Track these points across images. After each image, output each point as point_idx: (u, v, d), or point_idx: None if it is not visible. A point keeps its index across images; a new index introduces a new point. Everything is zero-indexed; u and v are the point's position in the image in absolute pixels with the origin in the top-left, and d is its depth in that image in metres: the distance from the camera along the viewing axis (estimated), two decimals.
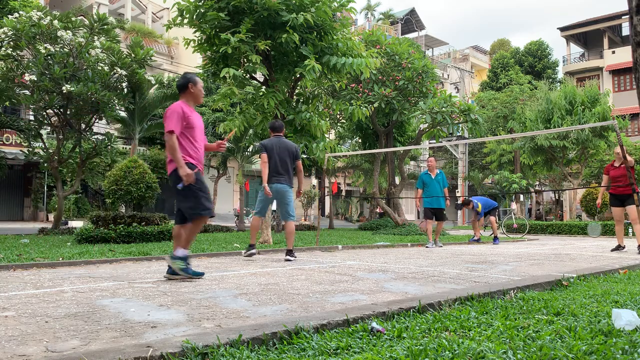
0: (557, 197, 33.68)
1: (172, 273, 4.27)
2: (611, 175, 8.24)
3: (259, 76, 9.86)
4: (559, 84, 37.74)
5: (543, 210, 36.45)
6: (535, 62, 40.08)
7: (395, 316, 2.66)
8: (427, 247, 9.35)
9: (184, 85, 4.40)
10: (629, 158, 7.21)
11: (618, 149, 8.11)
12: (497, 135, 29.95)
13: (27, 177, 23.47)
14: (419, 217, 35.42)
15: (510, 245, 10.68)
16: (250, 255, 6.43)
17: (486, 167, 35.55)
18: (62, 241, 8.93)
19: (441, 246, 9.59)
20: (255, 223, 6.57)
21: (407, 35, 41.84)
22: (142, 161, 10.29)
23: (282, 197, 6.31)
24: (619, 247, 8.38)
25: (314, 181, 31.89)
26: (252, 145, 22.17)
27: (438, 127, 15.29)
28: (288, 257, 6.18)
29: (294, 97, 10.37)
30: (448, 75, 43.24)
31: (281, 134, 6.58)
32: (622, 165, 8.01)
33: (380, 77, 15.42)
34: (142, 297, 3.38)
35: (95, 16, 11.72)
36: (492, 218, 11.64)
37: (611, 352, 1.92)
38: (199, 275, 4.35)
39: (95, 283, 4.08)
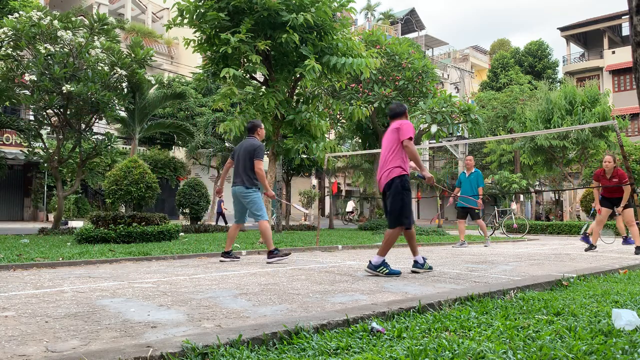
0: (557, 197, 33.68)
1: (372, 268, 4.64)
2: (602, 183, 8.30)
3: (259, 76, 9.86)
4: (559, 84, 37.74)
5: (543, 211, 36.44)
6: (535, 62, 40.08)
7: (395, 316, 2.66)
8: (452, 246, 9.61)
9: (404, 112, 4.98)
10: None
11: (608, 160, 8.12)
12: (497, 135, 29.95)
13: (27, 177, 23.47)
14: (418, 217, 35.42)
15: (510, 245, 10.68)
16: (226, 261, 6.16)
17: (486, 167, 35.55)
18: (62, 241, 8.93)
19: (466, 246, 9.55)
20: (231, 231, 6.27)
21: (407, 35, 41.85)
22: (142, 161, 10.28)
23: (241, 199, 6.07)
24: (592, 247, 8.43)
25: (314, 181, 31.89)
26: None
27: (438, 127, 15.28)
28: (268, 260, 5.91)
29: (294, 97, 10.37)
30: (448, 75, 43.22)
31: (252, 135, 6.24)
32: (614, 179, 8.08)
33: (380, 77, 15.42)
34: (142, 297, 3.38)
35: (95, 16, 11.71)
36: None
37: (611, 352, 1.92)
38: (399, 273, 4.66)
39: (95, 283, 4.08)
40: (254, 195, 6.00)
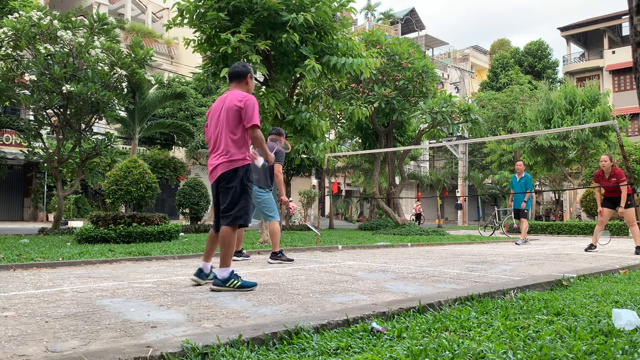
0: (557, 197, 33.67)
1: (218, 285, 3.76)
2: (602, 184, 8.33)
3: (259, 76, 9.87)
4: (559, 84, 37.74)
5: (544, 211, 36.44)
6: (535, 62, 40.09)
7: (395, 316, 2.66)
8: (515, 243, 10.79)
9: (248, 74, 4.08)
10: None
11: (604, 160, 8.15)
12: (497, 135, 29.95)
13: (27, 177, 23.47)
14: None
15: (510, 245, 10.68)
16: (238, 260, 6.26)
17: (486, 167, 35.54)
18: (62, 241, 8.93)
19: (525, 242, 10.74)
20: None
21: (407, 35, 41.87)
22: (142, 161, 10.28)
23: (252, 198, 6.12)
24: (592, 247, 8.44)
25: (314, 181, 31.90)
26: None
27: (438, 127, 15.29)
28: (271, 261, 5.93)
29: (294, 97, 10.37)
30: (448, 75, 43.24)
31: (271, 138, 6.31)
32: (612, 179, 8.11)
33: (380, 77, 15.42)
34: (142, 297, 3.38)
35: (95, 16, 11.71)
36: None
37: (611, 352, 1.92)
38: (254, 285, 3.86)
39: (95, 283, 4.08)
40: (266, 195, 6.04)
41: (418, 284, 4.12)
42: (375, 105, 15.17)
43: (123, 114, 15.34)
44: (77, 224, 15.14)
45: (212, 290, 3.76)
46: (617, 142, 8.06)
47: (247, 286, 3.78)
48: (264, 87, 9.84)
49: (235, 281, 3.76)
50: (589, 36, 38.91)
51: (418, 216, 33.12)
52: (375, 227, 17.60)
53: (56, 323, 2.58)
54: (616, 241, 12.35)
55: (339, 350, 2.02)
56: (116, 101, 12.23)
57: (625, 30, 37.63)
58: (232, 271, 3.80)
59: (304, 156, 11.37)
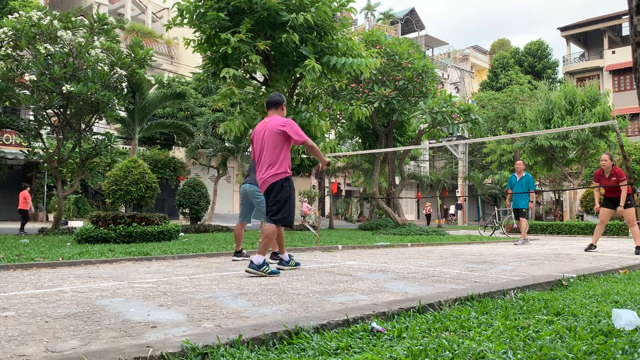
0: (557, 197, 33.67)
1: (254, 268, 4.57)
2: (602, 184, 8.32)
3: (259, 76, 9.87)
4: (559, 84, 37.74)
5: (543, 211, 36.44)
6: (535, 62, 40.11)
7: (395, 316, 2.66)
8: (514, 243, 10.68)
9: (283, 103, 4.95)
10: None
11: (604, 159, 8.15)
12: (497, 135, 29.94)
13: (27, 177, 23.47)
14: (419, 218, 35.49)
15: (510, 245, 10.68)
16: (238, 260, 6.24)
17: (486, 167, 35.54)
18: (62, 241, 8.93)
19: (525, 242, 10.61)
20: (237, 230, 6.34)
21: (407, 35, 41.87)
22: (142, 161, 10.28)
23: (252, 198, 6.06)
24: (592, 247, 8.42)
25: (314, 181, 31.90)
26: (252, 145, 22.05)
27: (438, 127, 15.28)
28: (271, 261, 5.90)
29: (294, 97, 10.37)
30: (448, 75, 43.26)
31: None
32: (613, 178, 8.10)
33: (380, 77, 15.42)
34: (142, 297, 3.38)
35: (95, 16, 11.72)
36: None
37: (611, 352, 1.92)
38: (278, 273, 4.75)
39: (95, 283, 4.08)
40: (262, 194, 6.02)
41: (418, 284, 4.12)
42: (375, 105, 15.17)
43: (123, 114, 15.34)
44: (77, 224, 15.15)
45: (247, 272, 4.54)
46: (617, 142, 8.09)
47: (275, 273, 4.66)
48: (264, 87, 9.84)
49: (267, 267, 4.60)
50: (589, 36, 38.91)
51: (428, 216, 33.16)
52: (375, 227, 17.59)
53: (56, 323, 2.58)
54: (616, 241, 12.35)
55: (339, 350, 2.02)
56: (116, 101, 12.24)
57: (625, 30, 37.63)
58: (265, 259, 4.61)
59: (304, 156, 11.37)
